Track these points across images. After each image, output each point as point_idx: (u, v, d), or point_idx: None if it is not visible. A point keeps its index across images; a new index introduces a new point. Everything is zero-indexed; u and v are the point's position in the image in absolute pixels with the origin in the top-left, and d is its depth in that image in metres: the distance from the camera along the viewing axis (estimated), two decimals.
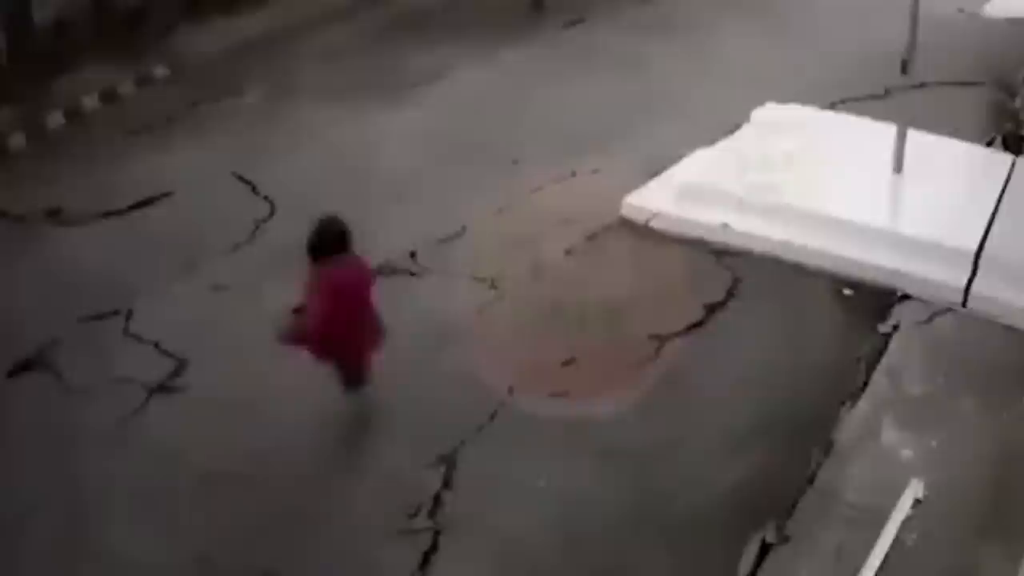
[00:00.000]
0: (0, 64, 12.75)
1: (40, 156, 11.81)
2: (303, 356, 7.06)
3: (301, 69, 13.44)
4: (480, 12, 14.80)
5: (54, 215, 10.43)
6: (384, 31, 14.45)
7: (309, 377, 7.78)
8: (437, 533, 6.52)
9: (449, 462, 7.01)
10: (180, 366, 8.09)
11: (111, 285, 9.03)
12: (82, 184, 10.90)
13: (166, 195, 10.50)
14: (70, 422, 7.60)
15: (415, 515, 6.63)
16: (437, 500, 6.74)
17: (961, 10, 13.96)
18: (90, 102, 12.91)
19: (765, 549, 6.18)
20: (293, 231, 9.54)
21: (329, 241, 6.78)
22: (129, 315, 8.70)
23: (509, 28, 14.14)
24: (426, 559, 6.35)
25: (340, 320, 6.76)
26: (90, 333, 8.53)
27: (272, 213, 10.10)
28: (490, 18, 14.59)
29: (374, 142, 11.18)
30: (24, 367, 8.18)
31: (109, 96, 13.12)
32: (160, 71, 13.75)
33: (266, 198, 10.36)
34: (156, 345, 8.32)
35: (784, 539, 6.20)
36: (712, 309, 8.33)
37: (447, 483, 6.88)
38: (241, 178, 10.74)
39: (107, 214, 10.31)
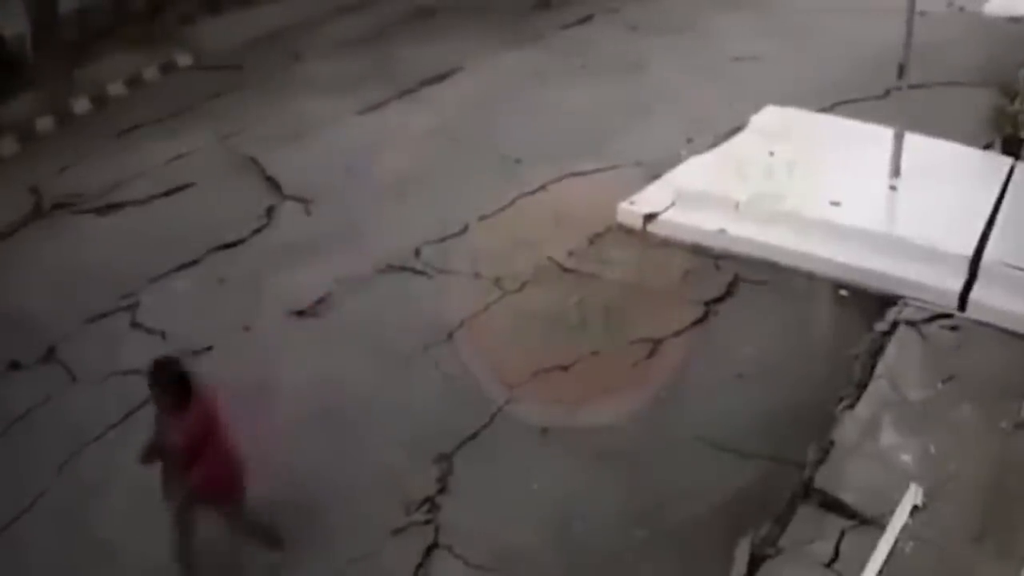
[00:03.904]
0: (26, 51, 12.65)
1: (65, 140, 11.75)
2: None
3: (313, 62, 13.32)
4: (487, 10, 14.53)
5: (72, 203, 10.31)
6: (393, 27, 14.25)
7: (312, 371, 7.67)
8: (436, 531, 6.34)
9: (447, 462, 6.82)
10: (185, 358, 7.79)
11: (120, 275, 8.89)
12: (99, 171, 10.80)
13: (180, 188, 10.35)
14: (77, 415, 7.45)
15: (413, 513, 6.45)
16: (435, 499, 6.57)
17: (962, 9, 13.59)
18: (113, 89, 12.85)
19: (760, 558, 5.94)
20: (298, 226, 9.56)
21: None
22: (136, 306, 8.56)
23: (514, 26, 13.89)
24: (424, 557, 6.18)
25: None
26: (98, 325, 8.39)
27: (279, 207, 9.92)
28: (496, 16, 14.34)
29: (379, 138, 11.00)
30: (35, 358, 8.03)
31: (131, 83, 13.03)
32: (181, 60, 13.64)
33: (274, 191, 10.19)
34: (163, 336, 8.18)
35: (777, 551, 5.95)
36: (709, 312, 8.10)
37: (445, 483, 6.70)
38: (255, 169, 10.60)
39: (120, 204, 10.17)
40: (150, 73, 13.27)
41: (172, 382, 5.55)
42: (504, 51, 13.02)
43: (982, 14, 13.43)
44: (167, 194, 10.24)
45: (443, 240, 9.13)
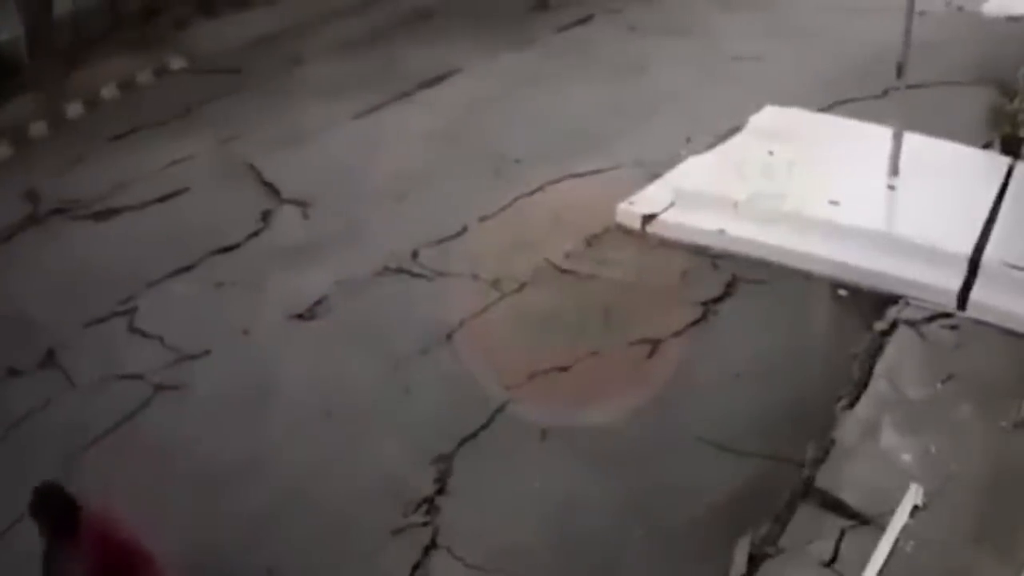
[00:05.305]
0: (21, 55, 12.73)
1: (60, 144, 11.81)
2: None
3: (311, 65, 13.38)
4: (485, 12, 14.62)
5: (68, 208, 10.36)
6: (391, 29, 14.33)
7: (311, 374, 7.74)
8: (434, 532, 6.38)
9: (446, 462, 6.87)
10: (184, 362, 7.97)
11: (117, 280, 8.94)
12: (95, 176, 10.85)
13: (178, 192, 10.41)
14: (76, 419, 7.47)
15: (412, 514, 6.50)
16: (434, 500, 6.61)
17: (960, 8, 13.66)
18: (108, 92, 12.90)
19: (759, 557, 5.99)
20: (296, 229, 9.60)
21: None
22: (134, 311, 8.60)
23: (513, 28, 13.97)
24: (422, 558, 6.22)
25: None
26: (96, 329, 8.44)
27: (277, 211, 9.98)
28: (495, 18, 14.42)
29: (378, 140, 11.06)
30: (33, 363, 8.08)
31: (127, 87, 13.09)
32: (176, 63, 13.69)
33: (272, 195, 10.25)
34: (161, 341, 8.21)
35: (777, 550, 6.00)
36: (708, 312, 8.14)
37: (444, 483, 6.74)
38: (252, 172, 10.66)
39: (117, 209, 10.22)
40: (145, 77, 13.33)
41: (54, 512, 5.04)
42: (502, 52, 13.08)
43: (981, 13, 13.48)
44: (164, 199, 10.29)
45: (441, 242, 9.18)
